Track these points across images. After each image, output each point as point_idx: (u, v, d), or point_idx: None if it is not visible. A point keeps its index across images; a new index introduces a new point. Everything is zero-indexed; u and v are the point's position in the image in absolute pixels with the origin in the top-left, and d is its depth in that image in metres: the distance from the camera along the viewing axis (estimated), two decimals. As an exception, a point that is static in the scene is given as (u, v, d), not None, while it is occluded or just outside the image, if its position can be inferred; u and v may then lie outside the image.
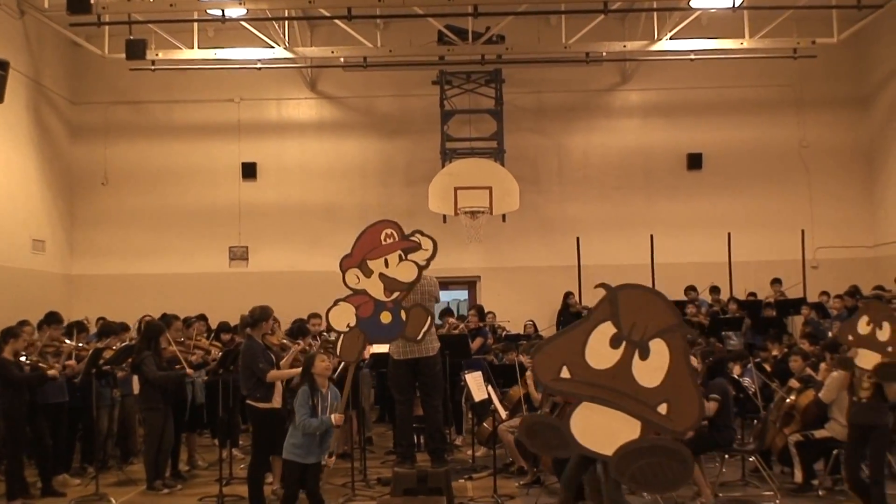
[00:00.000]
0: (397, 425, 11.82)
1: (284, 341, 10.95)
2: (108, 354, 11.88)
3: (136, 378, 11.68)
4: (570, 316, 18.89)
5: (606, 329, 6.25)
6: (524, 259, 20.58)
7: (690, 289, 18.66)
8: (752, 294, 18.80)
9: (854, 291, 16.98)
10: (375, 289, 7.67)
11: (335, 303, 7.78)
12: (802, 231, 19.51)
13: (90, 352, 11.50)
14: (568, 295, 19.38)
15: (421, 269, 7.77)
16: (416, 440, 11.57)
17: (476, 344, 14.89)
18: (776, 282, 18.66)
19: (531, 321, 18.59)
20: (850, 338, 8.71)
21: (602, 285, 6.31)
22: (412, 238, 7.77)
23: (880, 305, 8.96)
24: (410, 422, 11.12)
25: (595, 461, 8.31)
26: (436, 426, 10.84)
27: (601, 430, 6.22)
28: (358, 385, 11.60)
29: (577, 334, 6.32)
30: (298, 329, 12.33)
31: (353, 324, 7.63)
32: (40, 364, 11.05)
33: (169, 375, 11.19)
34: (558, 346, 6.45)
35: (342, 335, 7.77)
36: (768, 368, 12.67)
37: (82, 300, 19.68)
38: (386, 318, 7.60)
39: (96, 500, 10.65)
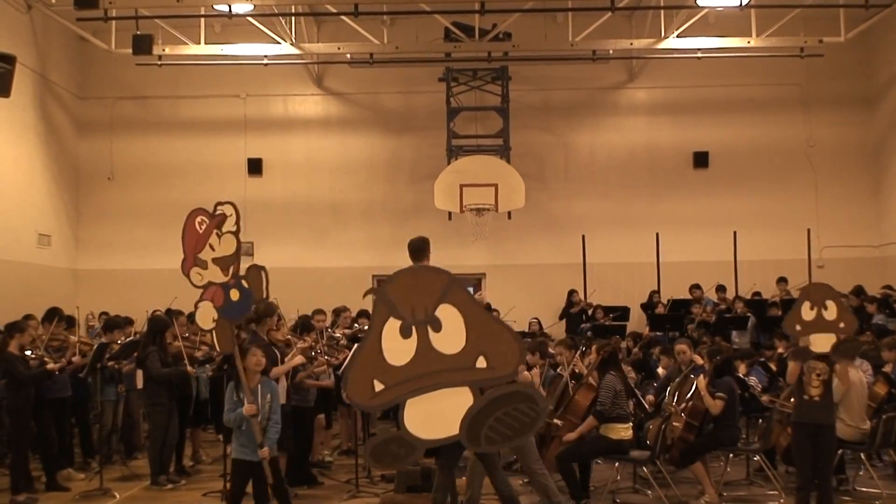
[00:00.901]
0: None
1: (289, 337, 10.94)
2: (113, 349, 11.88)
3: (140, 373, 11.68)
4: (575, 313, 18.91)
5: (392, 325, 6.03)
6: (530, 257, 20.56)
7: (695, 287, 18.65)
8: (757, 293, 18.79)
9: (859, 291, 16.95)
10: (216, 275, 7.71)
11: (195, 307, 7.83)
12: (808, 230, 19.50)
13: (94, 347, 11.50)
14: (572, 293, 19.39)
15: (236, 235, 7.78)
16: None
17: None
18: (782, 280, 18.66)
19: (536, 319, 18.63)
20: (798, 328, 8.43)
21: (370, 291, 6.29)
22: (216, 213, 7.85)
23: (819, 287, 8.72)
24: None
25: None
26: (440, 423, 10.82)
27: (436, 415, 6.03)
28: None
29: (369, 346, 6.26)
30: (303, 325, 12.32)
31: (215, 317, 7.67)
32: (45, 359, 11.05)
33: (171, 372, 11.19)
34: (359, 367, 6.37)
35: (214, 331, 7.80)
36: (774, 367, 12.64)
37: (87, 295, 19.67)
38: (235, 295, 7.64)
39: (100, 495, 10.65)
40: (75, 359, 11.40)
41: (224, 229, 7.78)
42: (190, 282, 7.78)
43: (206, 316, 7.71)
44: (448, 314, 6.09)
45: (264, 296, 7.74)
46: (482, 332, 6.04)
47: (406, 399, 6.20)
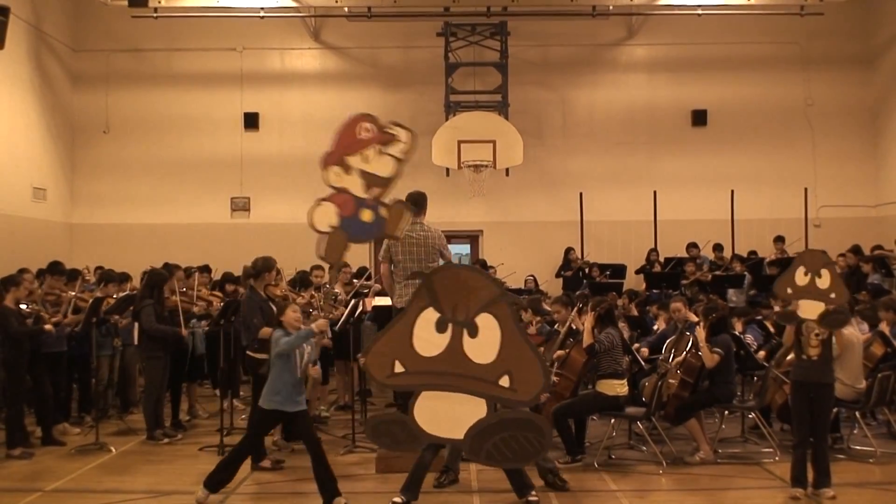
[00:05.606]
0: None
1: (287, 292, 10.93)
2: (108, 303, 11.86)
3: (136, 327, 11.66)
4: (571, 271, 18.92)
5: (429, 315, 6.31)
6: (527, 213, 20.53)
7: (692, 246, 18.63)
8: (753, 252, 18.79)
9: (856, 250, 16.95)
10: (355, 186, 7.08)
11: (317, 202, 7.18)
12: (805, 189, 19.48)
13: (90, 301, 11.48)
14: (569, 250, 19.39)
15: (399, 162, 7.09)
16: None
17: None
18: (779, 240, 18.64)
19: (532, 276, 18.69)
20: (789, 291, 8.47)
21: (414, 274, 6.32)
22: (388, 130, 7.16)
23: (815, 254, 8.71)
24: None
25: None
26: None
27: (447, 415, 6.29)
28: (360, 337, 11.60)
29: (401, 327, 6.38)
30: (301, 280, 12.30)
31: (335, 224, 7.03)
32: (41, 313, 11.05)
33: (166, 330, 11.15)
34: (386, 343, 6.45)
35: (326, 236, 7.13)
36: (770, 326, 12.66)
37: (83, 249, 19.65)
38: (366, 216, 7.00)
39: (96, 449, 10.65)
40: (69, 318, 11.41)
41: (389, 150, 7.11)
42: (324, 177, 7.15)
43: (325, 217, 7.06)
44: (487, 324, 6.19)
45: (396, 234, 7.17)
46: (515, 352, 6.17)
47: (421, 390, 6.27)
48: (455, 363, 6.20)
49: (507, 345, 6.14)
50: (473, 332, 6.23)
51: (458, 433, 6.22)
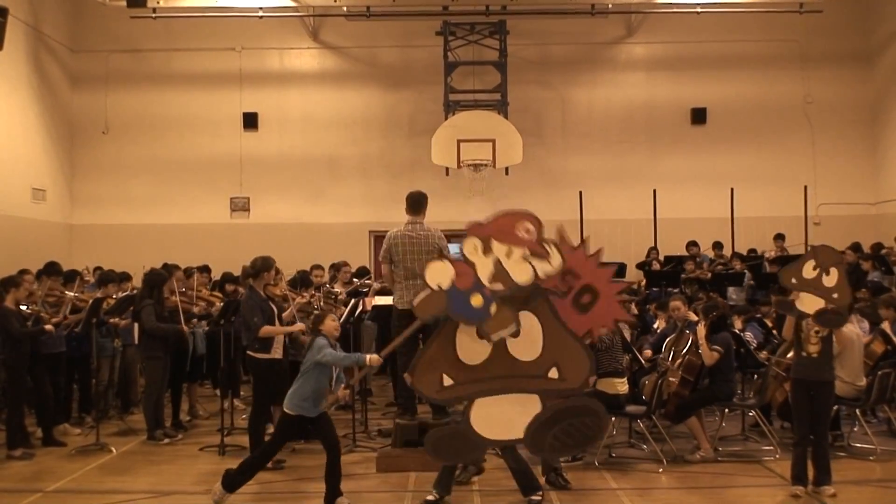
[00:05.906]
0: (399, 377, 11.84)
1: (287, 292, 10.92)
2: (109, 304, 11.85)
3: (136, 328, 11.66)
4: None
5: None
6: (526, 212, 20.48)
7: (692, 244, 18.63)
8: (753, 250, 18.79)
9: (856, 247, 16.95)
10: (484, 269, 6.81)
11: (442, 258, 7.12)
12: (805, 187, 19.46)
13: (90, 302, 11.47)
14: (569, 249, 19.34)
15: (536, 277, 6.81)
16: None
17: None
18: (779, 237, 18.64)
19: (532, 275, 18.65)
20: (794, 281, 8.39)
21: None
22: (545, 245, 6.88)
23: (828, 251, 8.67)
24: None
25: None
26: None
27: (503, 418, 6.36)
28: (360, 337, 11.59)
29: (442, 340, 6.40)
30: (301, 280, 12.29)
31: (444, 286, 6.78)
32: (41, 314, 11.04)
33: (166, 328, 11.17)
34: (431, 359, 6.46)
35: (428, 291, 6.92)
36: (770, 323, 12.65)
37: (82, 250, 19.63)
38: (476, 301, 6.72)
39: (97, 450, 10.65)
40: (68, 318, 11.41)
41: (534, 261, 6.82)
42: (461, 242, 6.90)
43: (440, 275, 6.78)
44: (528, 322, 6.20)
45: (493, 337, 6.66)
46: (558, 343, 6.23)
47: (474, 398, 6.30)
48: (503, 366, 6.28)
49: (550, 338, 6.24)
50: (516, 332, 6.30)
51: (518, 433, 6.29)
